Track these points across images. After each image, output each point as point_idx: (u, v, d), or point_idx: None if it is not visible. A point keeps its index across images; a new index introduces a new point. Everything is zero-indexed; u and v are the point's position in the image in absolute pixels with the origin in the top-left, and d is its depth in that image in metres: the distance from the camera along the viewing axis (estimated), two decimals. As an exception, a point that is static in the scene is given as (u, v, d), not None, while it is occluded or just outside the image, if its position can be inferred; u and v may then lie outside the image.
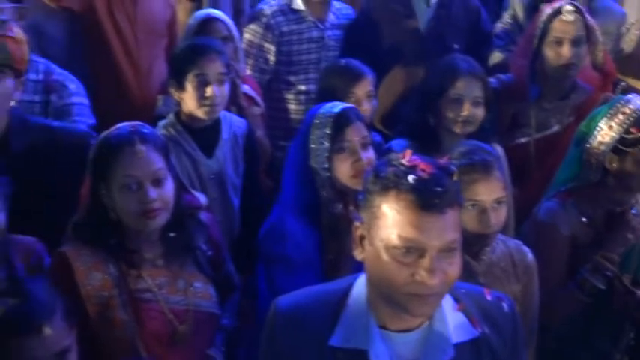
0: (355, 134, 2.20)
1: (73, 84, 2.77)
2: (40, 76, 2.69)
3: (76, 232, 2.01)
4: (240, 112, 3.02)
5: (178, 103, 2.73)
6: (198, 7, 3.94)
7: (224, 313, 2.20)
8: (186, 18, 3.81)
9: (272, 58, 3.47)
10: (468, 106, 2.68)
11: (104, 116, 2.85)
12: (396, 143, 2.76)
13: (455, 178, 1.47)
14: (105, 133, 2.03)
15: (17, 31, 2.16)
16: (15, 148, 2.14)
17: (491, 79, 3.01)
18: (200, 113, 2.67)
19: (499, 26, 3.76)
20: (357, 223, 1.53)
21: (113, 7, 3.31)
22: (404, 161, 1.47)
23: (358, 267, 1.63)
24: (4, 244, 2.09)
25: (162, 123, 2.74)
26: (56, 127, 2.37)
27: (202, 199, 2.27)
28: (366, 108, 2.77)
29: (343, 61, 2.92)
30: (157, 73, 3.43)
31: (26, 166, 2.10)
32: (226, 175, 2.78)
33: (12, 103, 2.26)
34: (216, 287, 2.14)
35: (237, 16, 3.87)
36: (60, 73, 2.76)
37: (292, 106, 3.52)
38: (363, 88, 2.80)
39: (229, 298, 2.27)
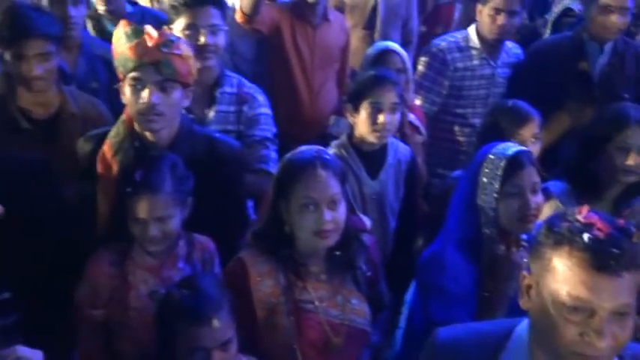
0: (526, 179, 2.10)
1: (261, 96, 2.86)
2: (235, 90, 2.79)
3: (255, 241, 2.07)
4: (403, 139, 3.00)
5: (351, 126, 2.76)
6: (371, 35, 4.00)
7: (373, 330, 2.18)
8: (359, 44, 3.88)
9: (444, 91, 3.46)
10: (634, 155, 2.50)
11: (279, 128, 2.95)
12: (553, 184, 2.64)
13: (635, 239, 1.36)
14: (290, 155, 2.07)
15: (184, 49, 2.21)
16: (180, 154, 2.19)
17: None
18: (371, 138, 2.68)
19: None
20: (524, 273, 1.46)
21: (296, 33, 3.44)
22: (580, 217, 1.37)
23: (512, 308, 1.57)
24: (188, 239, 2.20)
25: (334, 143, 2.77)
26: (217, 138, 2.41)
27: (367, 222, 2.28)
28: (531, 150, 2.67)
29: (511, 102, 2.80)
30: (327, 94, 3.53)
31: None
32: (386, 198, 2.77)
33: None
34: (369, 305, 2.13)
35: (406, 46, 3.86)
36: (250, 87, 2.85)
37: (456, 137, 3.49)
38: (529, 130, 2.68)
39: (379, 316, 2.25)
